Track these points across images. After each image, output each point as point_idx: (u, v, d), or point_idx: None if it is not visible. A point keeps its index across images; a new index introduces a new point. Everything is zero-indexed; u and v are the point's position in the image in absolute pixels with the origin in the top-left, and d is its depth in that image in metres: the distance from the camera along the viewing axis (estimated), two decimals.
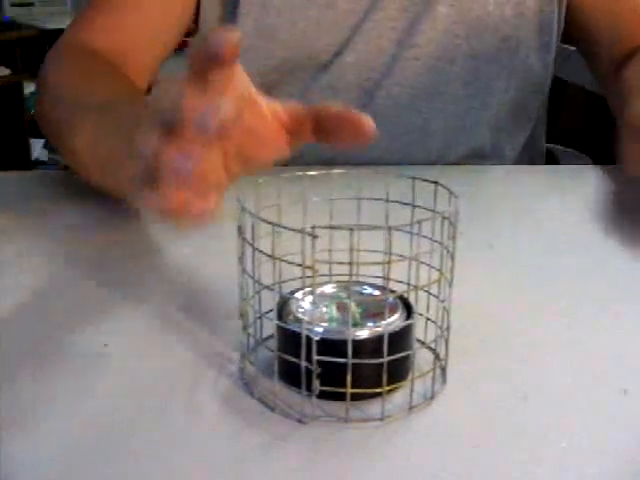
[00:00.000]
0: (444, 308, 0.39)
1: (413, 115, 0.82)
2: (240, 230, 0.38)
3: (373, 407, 0.37)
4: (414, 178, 0.41)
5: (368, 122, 0.41)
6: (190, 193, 0.35)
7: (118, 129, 0.50)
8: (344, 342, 0.36)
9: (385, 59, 0.80)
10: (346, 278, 0.42)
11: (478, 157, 0.83)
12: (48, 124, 0.65)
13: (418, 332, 0.40)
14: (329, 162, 0.81)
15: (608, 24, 0.79)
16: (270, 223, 0.35)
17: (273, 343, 0.37)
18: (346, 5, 0.79)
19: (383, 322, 0.37)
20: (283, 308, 0.39)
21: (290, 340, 0.37)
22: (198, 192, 0.36)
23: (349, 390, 0.36)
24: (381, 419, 0.37)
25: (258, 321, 0.41)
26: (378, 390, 0.37)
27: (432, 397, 0.38)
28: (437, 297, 0.39)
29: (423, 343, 0.42)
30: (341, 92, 0.82)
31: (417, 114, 0.83)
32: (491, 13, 0.79)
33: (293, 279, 0.41)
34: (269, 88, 0.81)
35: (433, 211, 0.39)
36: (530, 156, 0.87)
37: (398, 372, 0.38)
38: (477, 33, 0.80)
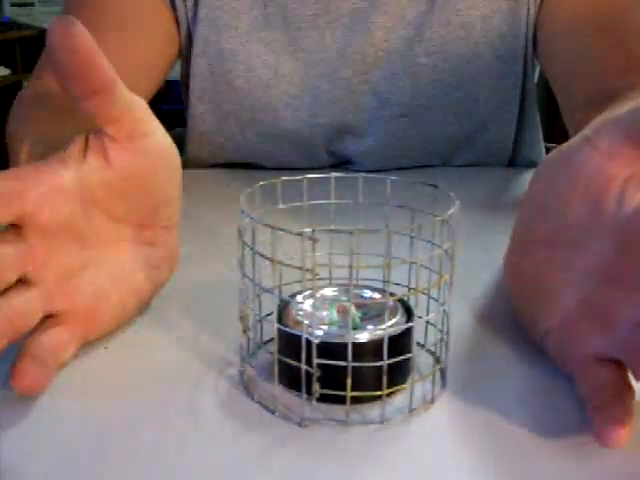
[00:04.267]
0: (444, 311, 0.39)
1: (402, 161, 0.81)
2: (240, 233, 0.38)
3: (373, 410, 0.37)
4: (413, 182, 0.41)
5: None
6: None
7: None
8: (344, 345, 0.36)
9: (365, 114, 0.78)
10: (346, 281, 0.42)
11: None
12: None
13: (418, 335, 0.40)
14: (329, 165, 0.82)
15: (586, 61, 0.69)
16: (270, 226, 0.35)
17: (273, 346, 0.37)
18: (310, 57, 0.76)
19: (383, 325, 0.37)
20: (283, 311, 0.39)
21: (290, 343, 0.37)
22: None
23: (349, 393, 0.36)
24: (381, 422, 0.37)
25: (258, 324, 0.41)
26: (378, 393, 0.37)
27: (432, 400, 0.39)
28: (437, 300, 0.39)
29: (423, 346, 0.42)
30: (315, 148, 0.80)
31: (406, 159, 0.81)
32: (482, 54, 0.76)
33: (293, 282, 0.41)
34: (231, 133, 0.80)
35: (432, 214, 0.39)
36: (528, 158, 0.87)
37: (398, 375, 0.38)
38: (470, 78, 0.77)
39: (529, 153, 0.86)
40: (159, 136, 0.42)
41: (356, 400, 0.37)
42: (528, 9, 0.74)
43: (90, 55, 0.37)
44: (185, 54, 0.79)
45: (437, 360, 0.41)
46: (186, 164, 0.83)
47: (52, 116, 0.63)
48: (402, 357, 0.37)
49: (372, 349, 0.37)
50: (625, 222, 0.36)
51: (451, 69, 0.76)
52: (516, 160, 0.84)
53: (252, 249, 0.37)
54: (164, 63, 0.77)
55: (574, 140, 0.39)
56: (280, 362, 0.37)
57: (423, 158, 0.81)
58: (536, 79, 0.85)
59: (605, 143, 0.37)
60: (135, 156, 0.41)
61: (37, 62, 0.77)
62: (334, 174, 0.43)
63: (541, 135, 0.90)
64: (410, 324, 0.38)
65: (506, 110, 0.80)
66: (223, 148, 0.81)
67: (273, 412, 0.37)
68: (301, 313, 0.39)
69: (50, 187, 0.38)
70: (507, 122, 0.81)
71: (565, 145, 0.40)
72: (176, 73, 0.84)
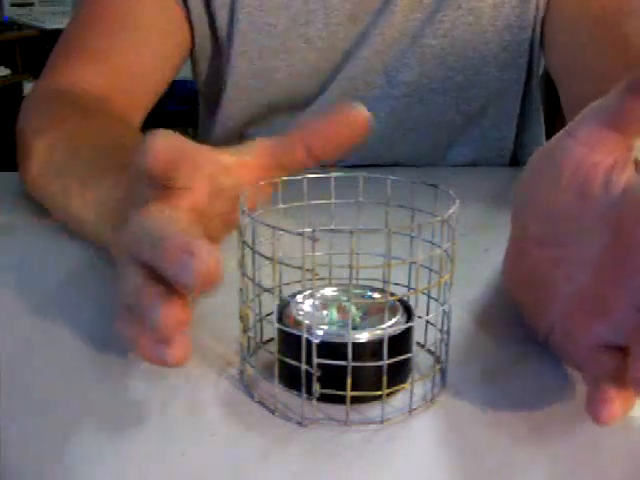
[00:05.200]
0: (444, 311, 0.39)
1: (402, 145, 0.82)
2: (240, 233, 0.38)
3: (373, 410, 0.37)
4: (414, 182, 0.41)
5: (360, 113, 0.41)
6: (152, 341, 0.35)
7: (100, 205, 0.50)
8: (344, 345, 0.36)
9: (373, 93, 0.80)
10: (346, 281, 0.42)
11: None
12: (41, 197, 0.62)
13: (418, 335, 0.40)
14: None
15: (585, 56, 0.70)
16: (270, 226, 0.35)
17: (273, 346, 0.37)
18: (343, 44, 0.78)
19: (383, 325, 0.37)
20: (283, 311, 0.39)
21: (290, 343, 0.37)
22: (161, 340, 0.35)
23: (349, 393, 0.36)
24: (381, 422, 0.37)
25: (258, 324, 0.41)
26: (378, 393, 0.37)
27: (432, 400, 0.39)
28: (437, 300, 0.39)
29: (423, 346, 0.42)
30: None
31: (407, 144, 0.82)
32: (489, 42, 0.77)
33: (293, 282, 0.41)
34: (254, 122, 0.82)
35: (433, 214, 0.39)
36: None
37: (398, 375, 0.38)
38: (473, 64, 0.78)
39: (532, 152, 0.86)
40: None
41: (356, 400, 0.37)
42: (537, 2, 0.75)
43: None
44: (212, 55, 0.80)
45: (437, 360, 0.41)
46: None
47: (71, 113, 0.63)
48: (402, 357, 0.37)
49: (372, 349, 0.37)
50: (614, 206, 0.36)
51: (457, 53, 0.77)
52: (519, 159, 0.85)
53: (252, 249, 0.37)
54: (178, 61, 0.79)
55: (556, 136, 0.40)
56: (280, 362, 0.37)
57: (424, 143, 0.82)
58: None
59: (585, 134, 0.37)
60: None
61: (37, 62, 0.77)
62: (334, 174, 0.43)
63: (544, 134, 0.90)
64: (410, 324, 0.38)
65: (507, 102, 0.81)
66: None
67: (273, 412, 0.38)
68: (301, 313, 0.39)
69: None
70: (508, 115, 0.82)
71: (548, 142, 0.41)
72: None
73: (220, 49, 0.79)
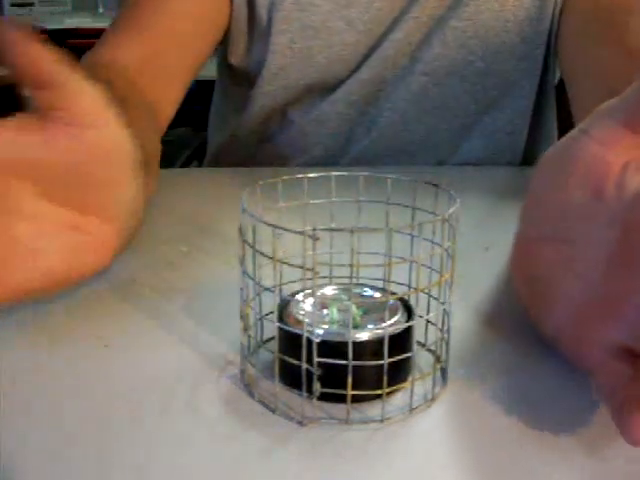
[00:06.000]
0: (444, 310, 0.39)
1: (418, 128, 0.83)
2: (241, 232, 0.38)
3: (373, 409, 0.37)
4: (415, 180, 0.41)
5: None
6: None
7: None
8: (345, 344, 0.36)
9: (397, 72, 0.81)
10: (347, 280, 0.42)
11: (480, 163, 0.84)
12: None
13: (418, 334, 0.40)
14: (330, 164, 0.83)
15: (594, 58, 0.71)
16: (271, 225, 0.35)
17: (274, 345, 0.37)
18: (379, 28, 0.80)
19: (384, 324, 0.37)
20: (284, 310, 0.39)
21: (291, 342, 0.37)
22: None
23: (350, 392, 0.36)
24: (381, 421, 0.37)
25: (259, 323, 0.41)
26: (378, 392, 0.37)
27: (432, 399, 0.39)
28: (437, 299, 0.39)
29: (423, 345, 0.42)
30: (351, 105, 0.83)
31: (423, 127, 0.83)
32: (509, 31, 0.78)
33: (294, 281, 0.41)
34: (288, 104, 0.84)
35: (433, 214, 0.39)
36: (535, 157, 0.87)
37: (398, 374, 0.38)
38: (493, 52, 0.79)
39: (544, 150, 0.86)
40: (110, 130, 0.41)
41: (357, 399, 0.37)
42: None
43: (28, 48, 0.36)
44: (248, 32, 0.81)
45: (437, 359, 0.41)
46: (222, 152, 0.89)
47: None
48: (402, 356, 0.37)
49: (373, 348, 0.37)
50: (625, 206, 0.35)
51: (479, 38, 0.79)
52: (531, 157, 0.85)
53: (253, 248, 0.37)
54: (214, 40, 0.79)
55: (570, 134, 0.39)
56: (281, 361, 0.37)
57: (439, 128, 0.83)
58: None
59: (600, 132, 0.37)
60: (76, 144, 0.39)
61: None
62: (334, 173, 0.43)
63: (556, 134, 0.90)
64: (410, 323, 0.38)
65: (522, 94, 0.82)
66: (282, 124, 0.85)
67: (274, 411, 0.37)
68: (302, 312, 0.39)
69: None
70: (522, 109, 0.83)
71: (562, 140, 0.40)
72: None
73: (257, 26, 0.80)
